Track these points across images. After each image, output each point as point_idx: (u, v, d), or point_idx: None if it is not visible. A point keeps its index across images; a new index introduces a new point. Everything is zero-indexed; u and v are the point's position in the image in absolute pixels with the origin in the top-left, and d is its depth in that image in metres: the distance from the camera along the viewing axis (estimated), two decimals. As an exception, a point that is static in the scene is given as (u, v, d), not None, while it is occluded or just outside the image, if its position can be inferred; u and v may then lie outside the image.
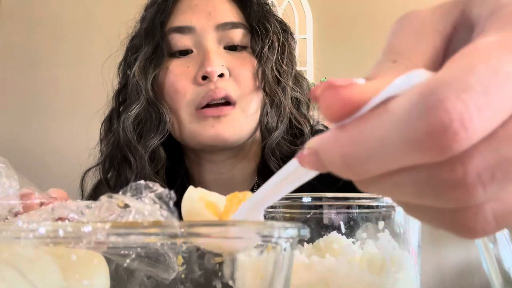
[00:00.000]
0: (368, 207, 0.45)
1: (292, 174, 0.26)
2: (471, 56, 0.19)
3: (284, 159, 0.78)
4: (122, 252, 0.27)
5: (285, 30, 0.84)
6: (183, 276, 0.31)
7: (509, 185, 0.19)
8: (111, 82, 1.57)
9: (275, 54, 0.78)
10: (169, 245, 0.27)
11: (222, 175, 0.82)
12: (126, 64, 0.83)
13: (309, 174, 0.25)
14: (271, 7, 0.84)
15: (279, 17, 0.84)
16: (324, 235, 0.45)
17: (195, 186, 0.79)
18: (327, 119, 0.22)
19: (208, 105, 0.74)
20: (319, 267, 0.41)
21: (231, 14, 0.79)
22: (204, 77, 0.73)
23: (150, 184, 0.29)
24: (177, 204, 0.29)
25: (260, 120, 0.79)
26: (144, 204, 0.28)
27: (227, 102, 0.74)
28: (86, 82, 1.57)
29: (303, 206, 0.46)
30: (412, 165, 0.20)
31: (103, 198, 0.28)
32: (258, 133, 0.82)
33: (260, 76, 0.76)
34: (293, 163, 0.25)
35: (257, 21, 0.79)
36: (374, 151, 0.20)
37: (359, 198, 0.46)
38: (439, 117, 0.18)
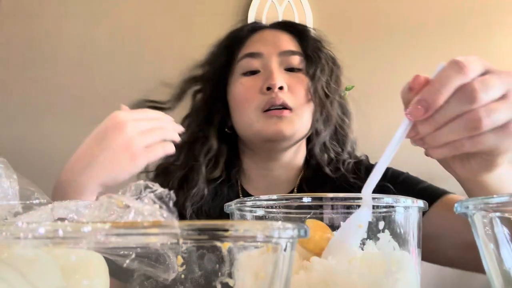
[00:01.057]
0: (368, 207, 0.45)
1: (401, 132, 0.49)
2: None
3: (330, 160, 1.01)
4: (122, 252, 0.27)
5: (334, 60, 1.06)
6: (183, 276, 0.31)
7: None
8: (112, 82, 1.57)
9: (325, 75, 1.00)
10: (169, 245, 0.27)
11: (270, 172, 1.01)
12: (205, 81, 1.05)
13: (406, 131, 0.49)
14: (323, 43, 1.06)
15: (329, 51, 1.06)
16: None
17: (245, 177, 1.01)
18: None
19: (270, 109, 0.94)
20: (319, 267, 0.41)
21: (292, 44, 1.01)
22: (268, 88, 0.94)
23: (150, 184, 0.29)
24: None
25: (311, 126, 1.00)
26: (144, 204, 0.28)
27: (285, 108, 0.94)
28: (86, 81, 1.57)
29: (303, 207, 0.46)
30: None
31: (103, 198, 0.28)
32: (304, 144, 1.02)
33: (312, 91, 0.97)
34: (403, 125, 0.50)
35: (312, 50, 1.01)
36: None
37: (359, 199, 0.46)
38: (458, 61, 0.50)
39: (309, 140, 1.03)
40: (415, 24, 1.62)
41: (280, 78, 0.95)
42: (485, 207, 0.35)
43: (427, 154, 0.55)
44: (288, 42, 1.02)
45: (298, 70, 0.99)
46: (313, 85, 0.98)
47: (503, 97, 0.50)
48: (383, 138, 0.92)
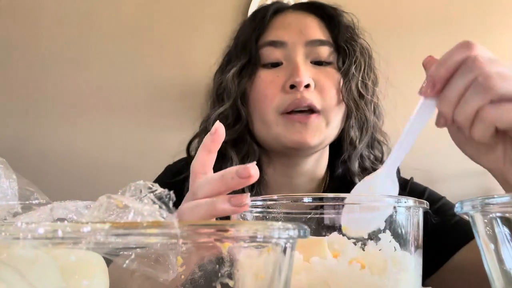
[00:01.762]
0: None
1: (419, 112, 0.51)
2: None
3: (363, 172, 0.87)
4: (122, 252, 0.27)
5: (369, 52, 0.91)
6: (182, 276, 0.31)
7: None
8: (111, 82, 1.57)
9: (361, 72, 0.86)
10: (168, 245, 0.27)
11: (290, 179, 0.88)
12: (221, 70, 0.91)
13: (429, 112, 0.50)
14: (354, 27, 0.92)
15: (363, 39, 0.92)
16: (325, 235, 0.45)
17: (261, 186, 0.84)
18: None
19: (293, 111, 0.81)
20: (320, 267, 0.41)
21: (320, 32, 0.87)
22: (292, 86, 0.80)
23: (150, 184, 0.29)
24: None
25: (342, 132, 0.87)
26: (144, 204, 0.28)
27: (311, 110, 0.81)
28: (86, 82, 1.57)
29: (304, 207, 0.46)
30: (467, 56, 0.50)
31: (102, 199, 0.28)
32: (327, 152, 0.90)
33: (344, 91, 0.83)
34: (419, 103, 0.50)
35: (345, 41, 0.87)
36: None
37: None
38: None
39: (339, 146, 0.89)
40: (416, 23, 1.62)
41: (306, 73, 0.80)
42: (485, 207, 0.35)
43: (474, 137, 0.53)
44: (316, 29, 0.87)
45: (328, 63, 0.85)
46: (346, 83, 0.84)
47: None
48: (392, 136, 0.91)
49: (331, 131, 0.84)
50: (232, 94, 0.85)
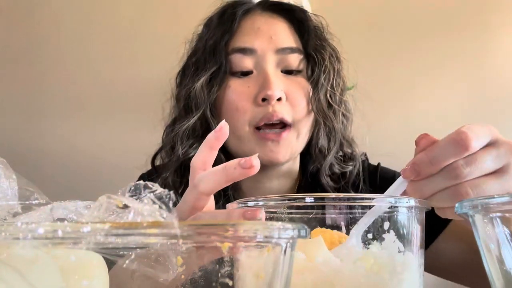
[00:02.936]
0: (371, 207, 0.45)
1: (398, 188, 0.50)
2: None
3: (334, 178, 0.88)
4: (122, 252, 0.27)
5: (337, 57, 0.89)
6: (182, 276, 0.31)
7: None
8: (112, 82, 1.57)
9: (330, 81, 0.85)
10: (168, 245, 0.27)
11: (261, 184, 0.87)
12: (187, 77, 0.87)
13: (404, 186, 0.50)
14: (323, 31, 0.90)
15: (332, 44, 0.89)
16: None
17: (233, 191, 0.82)
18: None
19: (264, 125, 0.80)
20: (324, 267, 0.41)
21: (291, 39, 0.85)
22: (264, 99, 0.79)
23: (150, 184, 0.29)
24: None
25: (311, 142, 0.87)
26: (144, 204, 0.28)
27: (282, 123, 0.80)
28: (86, 82, 1.57)
29: (306, 207, 0.46)
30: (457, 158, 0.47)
31: (102, 199, 0.28)
32: (297, 157, 0.89)
33: (313, 100, 0.83)
34: (398, 180, 0.50)
35: (314, 49, 0.85)
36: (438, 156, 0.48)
37: (361, 199, 0.46)
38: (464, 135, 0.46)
39: (307, 153, 0.88)
40: (416, 22, 1.62)
41: (278, 86, 0.79)
42: (485, 207, 0.35)
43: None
44: (286, 36, 0.85)
45: (298, 72, 0.84)
46: (315, 93, 0.83)
47: (498, 171, 0.49)
48: (382, 139, 0.91)
49: (301, 142, 0.84)
50: (201, 105, 0.82)
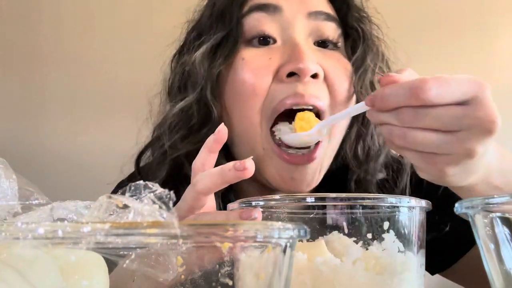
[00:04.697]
0: (373, 207, 0.45)
1: (357, 108, 0.50)
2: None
3: (380, 188, 0.68)
4: (122, 252, 0.27)
5: (380, 38, 0.70)
6: (182, 276, 0.31)
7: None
8: (112, 82, 1.56)
9: (377, 63, 0.66)
10: (168, 245, 0.27)
11: (270, 191, 0.68)
12: (185, 51, 0.67)
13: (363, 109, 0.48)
14: (367, 12, 0.71)
15: (376, 23, 0.71)
16: (327, 235, 0.45)
17: (237, 193, 0.66)
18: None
19: (288, 113, 0.59)
20: (324, 267, 0.41)
21: (326, 5, 0.66)
22: (291, 74, 0.59)
23: (150, 184, 0.29)
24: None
25: (346, 142, 0.67)
26: (143, 204, 0.28)
27: (315, 112, 0.60)
28: (86, 82, 1.57)
29: (306, 206, 0.46)
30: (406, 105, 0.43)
31: (102, 199, 0.28)
32: None
33: (359, 86, 0.63)
34: (360, 103, 0.49)
35: (357, 20, 0.67)
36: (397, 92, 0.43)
37: (362, 198, 0.46)
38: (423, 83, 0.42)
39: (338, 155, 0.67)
40: (416, 22, 1.62)
41: (312, 57, 0.59)
42: (485, 207, 0.35)
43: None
44: (322, 1, 0.65)
45: (334, 46, 0.64)
46: (361, 76, 0.63)
47: (452, 133, 0.43)
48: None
49: (333, 150, 0.65)
50: (199, 82, 0.61)
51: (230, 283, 0.33)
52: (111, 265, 0.29)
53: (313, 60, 0.59)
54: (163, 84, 0.74)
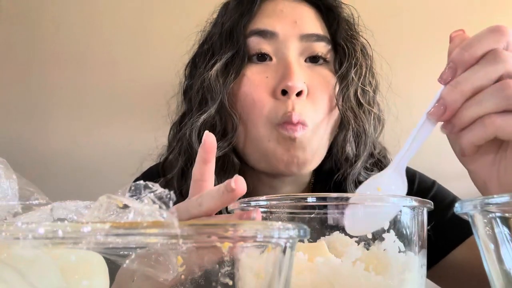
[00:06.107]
0: (374, 207, 0.45)
1: (421, 130, 0.47)
2: None
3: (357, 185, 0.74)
4: (122, 252, 0.27)
5: (368, 52, 0.80)
6: (182, 276, 0.31)
7: None
8: (112, 82, 1.57)
9: (361, 77, 0.75)
10: (169, 245, 0.27)
11: (275, 190, 0.79)
12: (199, 66, 0.78)
13: (430, 129, 0.47)
14: (357, 28, 0.80)
15: (365, 39, 0.80)
16: (328, 235, 0.45)
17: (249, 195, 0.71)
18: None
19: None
20: (324, 267, 0.41)
21: (317, 26, 0.75)
22: (284, 92, 0.70)
23: (150, 184, 0.29)
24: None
25: (334, 146, 0.77)
26: (144, 204, 0.28)
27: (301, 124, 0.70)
28: (86, 82, 1.57)
29: (307, 206, 0.46)
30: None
31: (102, 199, 0.28)
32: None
33: (340, 97, 0.72)
34: (421, 121, 0.47)
35: (345, 38, 0.75)
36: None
37: (363, 198, 0.46)
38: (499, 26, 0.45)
39: (329, 159, 0.78)
40: (416, 22, 1.62)
41: (300, 77, 0.69)
42: (485, 207, 0.35)
43: (461, 152, 0.49)
44: (312, 22, 0.75)
45: (324, 61, 0.74)
46: (343, 89, 0.72)
47: None
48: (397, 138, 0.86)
49: (323, 146, 0.74)
50: (217, 95, 0.72)
51: (230, 283, 0.33)
52: (111, 265, 0.29)
53: (301, 77, 0.69)
54: (179, 88, 0.84)
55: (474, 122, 0.47)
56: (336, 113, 0.74)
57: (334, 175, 0.78)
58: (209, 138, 0.49)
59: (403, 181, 0.50)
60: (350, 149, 0.76)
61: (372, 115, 0.76)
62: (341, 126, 0.76)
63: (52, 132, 1.55)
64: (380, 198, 0.46)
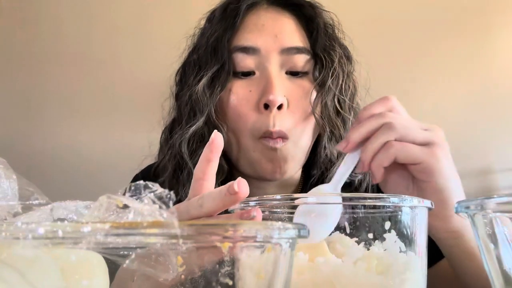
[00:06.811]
0: (374, 207, 0.45)
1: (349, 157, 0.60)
2: None
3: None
4: (122, 252, 0.27)
5: (348, 57, 0.83)
6: (182, 276, 0.31)
7: None
8: (112, 82, 1.57)
9: (338, 85, 0.79)
10: (169, 245, 0.27)
11: (262, 190, 0.83)
12: (188, 76, 0.82)
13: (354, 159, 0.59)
14: (335, 30, 0.84)
15: (342, 43, 0.84)
16: (328, 235, 0.45)
17: None
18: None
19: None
20: (325, 267, 0.41)
21: (297, 38, 0.79)
22: (266, 106, 0.75)
23: (150, 184, 0.29)
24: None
25: (315, 149, 0.82)
26: (144, 204, 0.28)
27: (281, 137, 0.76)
28: (86, 82, 1.58)
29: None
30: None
31: (102, 199, 0.28)
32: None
33: (316, 105, 0.77)
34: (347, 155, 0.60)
35: (323, 49, 0.79)
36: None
37: (364, 198, 0.46)
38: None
39: (312, 162, 0.83)
40: (416, 23, 1.62)
41: (280, 91, 0.74)
42: (485, 207, 0.35)
43: (372, 178, 0.61)
44: (293, 34, 0.79)
45: (304, 73, 0.78)
46: (320, 98, 0.77)
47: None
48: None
49: (302, 152, 0.79)
50: (205, 108, 0.76)
51: (230, 283, 0.33)
52: (111, 265, 0.29)
53: (281, 91, 0.74)
54: (171, 91, 0.88)
55: (379, 150, 0.58)
56: (313, 121, 0.79)
57: (321, 177, 0.83)
58: (217, 138, 0.50)
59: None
60: (330, 153, 0.82)
61: (350, 121, 0.81)
62: (320, 133, 0.81)
63: (52, 132, 1.55)
64: (380, 198, 0.46)
